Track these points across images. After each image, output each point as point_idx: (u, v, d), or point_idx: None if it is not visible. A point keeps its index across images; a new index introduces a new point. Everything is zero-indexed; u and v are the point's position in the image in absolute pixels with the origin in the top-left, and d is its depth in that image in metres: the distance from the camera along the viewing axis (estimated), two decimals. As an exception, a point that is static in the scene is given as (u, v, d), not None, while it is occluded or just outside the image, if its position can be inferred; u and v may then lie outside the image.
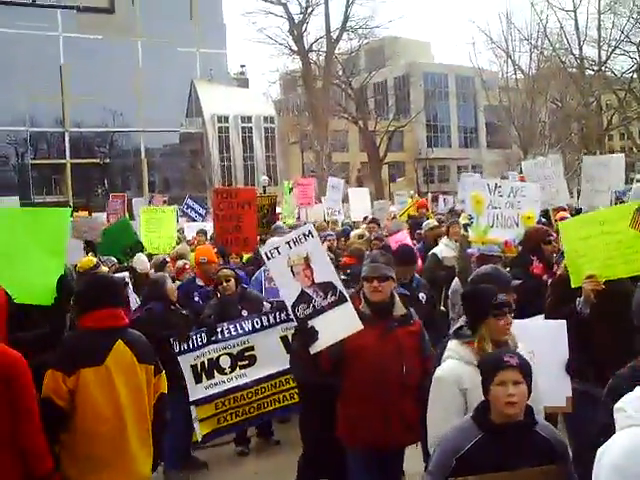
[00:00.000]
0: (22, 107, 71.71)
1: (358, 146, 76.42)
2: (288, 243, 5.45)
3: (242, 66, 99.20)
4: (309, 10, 58.81)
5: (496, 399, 3.90)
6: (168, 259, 11.37)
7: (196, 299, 9.57)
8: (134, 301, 10.23)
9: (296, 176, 38.16)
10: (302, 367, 5.85)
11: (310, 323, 5.38)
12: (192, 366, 7.62)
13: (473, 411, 4.10)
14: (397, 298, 5.72)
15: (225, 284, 8.66)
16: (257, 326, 7.95)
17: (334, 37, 59.38)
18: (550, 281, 7.03)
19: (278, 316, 7.94)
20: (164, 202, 24.36)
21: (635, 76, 56.91)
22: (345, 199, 23.95)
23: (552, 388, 5.37)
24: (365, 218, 17.89)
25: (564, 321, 5.73)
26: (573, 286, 6.13)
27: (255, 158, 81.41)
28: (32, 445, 4.60)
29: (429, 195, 29.60)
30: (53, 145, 79.17)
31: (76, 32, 73.30)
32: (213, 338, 7.75)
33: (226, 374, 7.76)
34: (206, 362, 7.69)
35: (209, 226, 18.52)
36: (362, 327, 5.31)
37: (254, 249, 11.74)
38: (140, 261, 11.79)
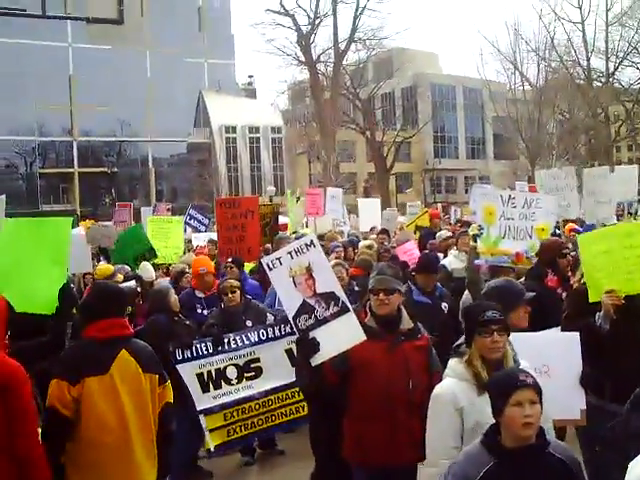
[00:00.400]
0: (31, 117, 72.02)
1: (365, 157, 76.42)
2: (290, 253, 5.33)
3: (250, 77, 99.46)
4: (317, 21, 59.03)
5: (512, 421, 3.71)
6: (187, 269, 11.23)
7: (199, 311, 9.45)
8: None
9: (303, 187, 38.23)
10: (306, 379, 5.66)
11: (311, 334, 5.24)
12: (198, 375, 7.57)
13: (482, 436, 3.92)
14: (404, 312, 5.58)
15: (230, 295, 8.60)
16: (262, 337, 7.94)
17: (342, 48, 59.53)
18: (566, 294, 6.97)
19: (283, 328, 7.89)
20: (168, 210, 24.33)
21: (643, 87, 56.90)
22: (353, 209, 23.95)
23: (566, 400, 5.32)
24: (372, 229, 17.80)
25: (577, 333, 5.60)
26: (591, 300, 6.01)
27: (262, 168, 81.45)
28: (28, 455, 4.57)
29: (439, 206, 29.50)
30: (61, 154, 79.32)
31: (85, 43, 73.34)
32: (219, 348, 7.72)
33: (233, 385, 7.71)
34: (213, 372, 7.64)
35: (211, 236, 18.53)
36: (365, 338, 5.18)
37: (258, 258, 11.65)
38: (145, 269, 11.75)
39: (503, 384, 3.85)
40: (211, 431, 7.54)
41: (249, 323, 8.36)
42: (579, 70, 57.16)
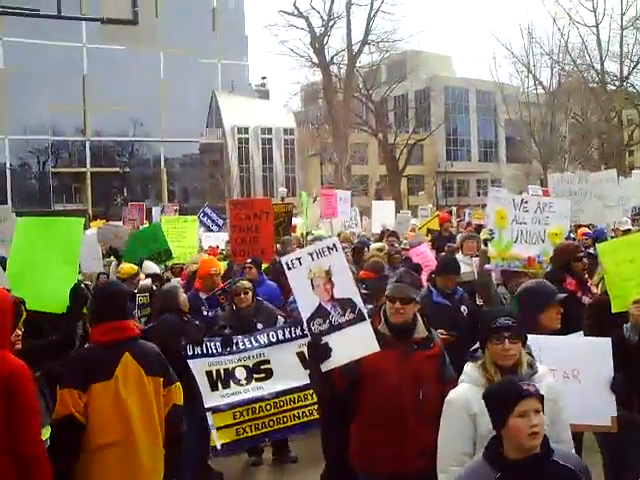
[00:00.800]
0: (44, 116, 72.36)
1: (377, 159, 76.38)
2: (311, 254, 5.19)
3: (263, 78, 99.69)
4: (331, 23, 59.03)
5: (517, 432, 3.61)
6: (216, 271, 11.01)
7: (205, 312, 9.32)
8: None
9: (315, 188, 38.18)
10: (317, 383, 5.54)
11: (324, 339, 5.09)
12: (207, 372, 7.53)
13: (483, 450, 3.82)
14: (419, 320, 5.42)
15: (243, 296, 8.53)
16: (273, 340, 7.88)
17: (355, 50, 59.52)
18: (588, 302, 6.89)
19: (294, 331, 7.86)
20: (175, 211, 24.39)
21: (657, 92, 56.71)
22: (365, 211, 23.91)
23: (596, 406, 5.22)
24: (383, 231, 17.74)
25: (609, 339, 5.41)
26: (615, 311, 5.87)
27: (274, 170, 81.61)
28: (31, 455, 4.53)
29: (453, 209, 29.37)
30: (74, 154, 79.67)
31: (99, 43, 73.67)
32: (228, 349, 7.69)
33: (242, 385, 7.66)
34: (222, 371, 7.60)
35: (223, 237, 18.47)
36: (378, 349, 5.06)
37: (271, 260, 11.66)
38: (147, 267, 11.75)
39: (506, 395, 3.74)
40: (219, 429, 7.49)
41: (260, 325, 8.34)
42: (593, 74, 56.96)
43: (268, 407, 7.67)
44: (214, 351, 7.62)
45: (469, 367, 4.60)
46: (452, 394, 4.53)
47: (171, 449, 5.36)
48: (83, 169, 77.50)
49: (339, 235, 15.35)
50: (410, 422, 5.14)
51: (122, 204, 56.84)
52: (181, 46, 76.82)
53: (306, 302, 5.20)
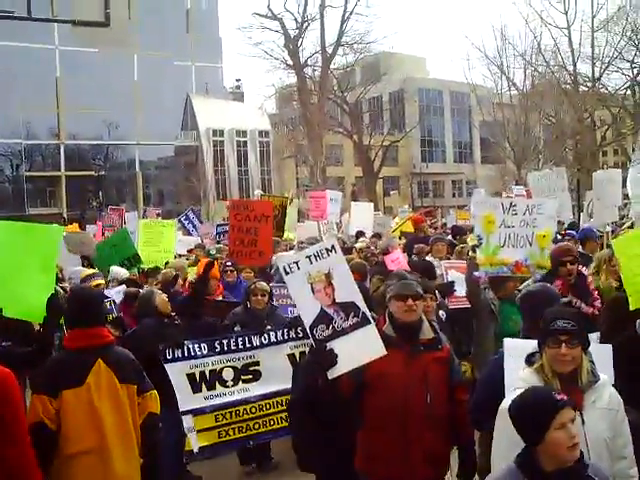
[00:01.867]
0: (17, 119, 71.69)
1: (353, 160, 76.53)
2: (309, 258, 5.01)
3: (238, 80, 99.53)
4: (305, 25, 59.19)
5: (557, 445, 3.41)
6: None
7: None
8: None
9: (292, 190, 37.97)
10: (307, 390, 5.28)
11: (329, 345, 4.91)
12: (188, 375, 7.29)
13: (516, 457, 3.60)
14: (425, 321, 5.25)
15: (260, 297, 8.57)
16: (265, 341, 7.70)
17: (329, 52, 59.65)
18: (603, 305, 6.81)
19: (287, 333, 7.72)
20: (157, 215, 24.24)
21: (629, 92, 57.27)
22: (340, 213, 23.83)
23: None
24: (359, 233, 17.70)
25: (609, 345, 5.07)
26: (633, 308, 5.76)
27: (250, 172, 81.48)
28: (20, 464, 4.49)
29: (439, 210, 29.27)
30: (48, 157, 79.05)
31: (72, 45, 73.33)
32: (217, 349, 7.50)
33: (228, 387, 7.48)
34: (207, 373, 7.39)
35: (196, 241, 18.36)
36: (385, 353, 4.86)
37: (268, 262, 11.78)
38: (116, 272, 11.75)
39: (542, 407, 3.49)
40: (199, 432, 7.27)
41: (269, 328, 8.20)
42: (565, 75, 57.35)
43: (253, 410, 7.52)
44: (198, 353, 7.40)
45: (526, 372, 4.31)
46: (507, 402, 4.02)
47: (147, 457, 5.33)
48: (58, 173, 76.88)
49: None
50: (416, 427, 4.94)
51: (97, 208, 56.53)
52: (155, 48, 76.46)
53: (307, 308, 5.04)
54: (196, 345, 7.42)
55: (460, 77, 71.79)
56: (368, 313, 5.00)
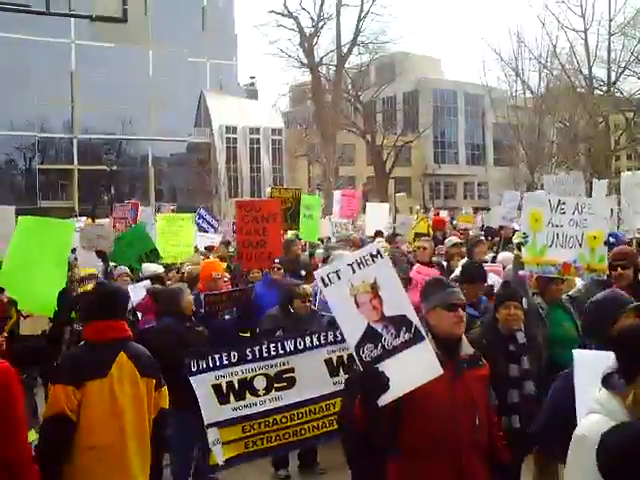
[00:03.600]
0: (32, 112, 72.08)
1: (365, 160, 76.51)
2: (351, 266, 4.36)
3: (252, 77, 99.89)
4: (320, 24, 59.18)
5: None
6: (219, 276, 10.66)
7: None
8: None
9: (303, 189, 37.85)
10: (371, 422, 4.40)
11: (379, 368, 4.24)
12: (214, 386, 6.74)
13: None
14: (463, 335, 4.71)
15: (308, 303, 8.40)
16: (300, 346, 7.07)
17: (344, 51, 59.60)
18: None
19: (324, 337, 7.07)
20: (172, 211, 24.22)
21: (644, 97, 57.01)
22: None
23: None
24: (378, 233, 17.50)
25: None
26: None
27: (262, 170, 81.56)
28: (18, 460, 4.46)
29: (470, 210, 28.97)
30: (61, 151, 79.45)
31: (88, 40, 73.72)
32: (250, 357, 6.90)
33: (259, 396, 6.89)
34: (236, 382, 6.82)
35: (217, 239, 18.21)
36: (442, 372, 4.29)
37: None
38: (148, 270, 11.42)
39: None
40: (225, 444, 6.76)
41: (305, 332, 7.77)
42: (580, 78, 57.13)
43: (284, 420, 6.99)
44: (225, 362, 6.85)
45: (603, 395, 3.59)
46: (583, 429, 3.56)
47: (156, 452, 5.34)
48: (70, 166, 77.21)
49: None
50: (466, 454, 4.41)
51: (109, 202, 56.67)
52: (170, 45, 76.80)
53: (351, 325, 4.36)
54: (224, 354, 6.86)
55: (475, 79, 71.66)
56: (421, 327, 4.40)
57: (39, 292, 6.14)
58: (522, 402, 5.92)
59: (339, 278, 4.34)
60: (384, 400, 4.19)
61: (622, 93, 57.85)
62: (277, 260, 10.59)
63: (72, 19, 61.31)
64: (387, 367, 4.26)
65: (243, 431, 6.80)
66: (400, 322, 4.35)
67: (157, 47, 77.70)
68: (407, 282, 9.40)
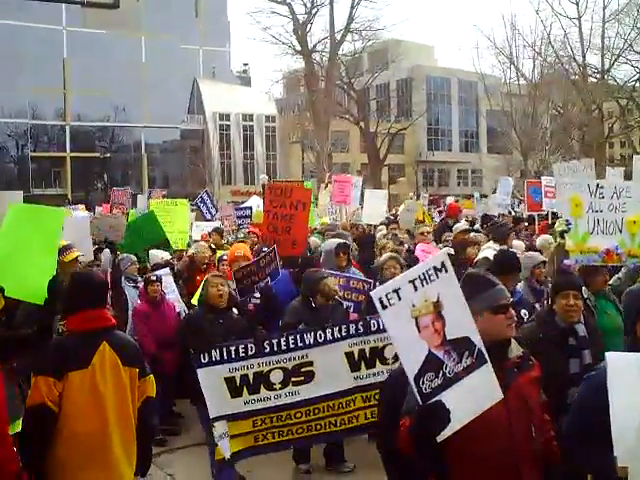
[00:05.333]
0: (24, 99, 71.81)
1: (359, 147, 76.49)
2: (413, 282, 3.68)
3: (245, 64, 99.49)
4: (314, 11, 58.98)
5: None
6: (225, 257, 10.63)
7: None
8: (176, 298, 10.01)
9: (296, 176, 37.87)
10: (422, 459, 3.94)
11: (440, 399, 3.67)
12: (227, 379, 6.45)
13: None
14: (513, 339, 4.25)
15: (332, 302, 8.02)
16: (320, 340, 6.70)
17: (338, 38, 59.44)
18: None
19: (345, 329, 6.72)
20: (163, 197, 24.01)
21: (638, 85, 57.04)
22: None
23: None
24: (390, 221, 17.34)
25: None
26: None
27: (255, 157, 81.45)
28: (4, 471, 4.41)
29: (452, 199, 28.86)
30: (54, 138, 79.22)
31: (80, 26, 73.32)
32: (267, 350, 6.58)
33: (275, 390, 6.58)
34: (251, 375, 6.50)
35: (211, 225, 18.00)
36: (502, 396, 3.79)
37: (302, 252, 10.95)
38: (153, 257, 11.48)
39: None
40: (233, 437, 6.49)
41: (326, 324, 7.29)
42: (574, 66, 57.13)
43: (298, 415, 6.64)
44: (242, 354, 6.52)
45: None
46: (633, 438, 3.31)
47: (142, 442, 5.32)
48: (63, 154, 77.01)
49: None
50: (526, 469, 3.95)
51: (102, 189, 56.58)
52: (163, 31, 76.48)
53: (412, 353, 3.72)
54: (240, 346, 6.57)
55: (468, 66, 71.53)
56: (483, 348, 3.81)
57: (29, 280, 6.10)
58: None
59: (399, 298, 3.65)
60: (443, 435, 3.65)
61: (616, 81, 57.90)
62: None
63: (63, 5, 61.03)
64: (448, 397, 3.70)
65: (253, 425, 6.54)
66: (463, 345, 3.77)
67: (149, 34, 77.32)
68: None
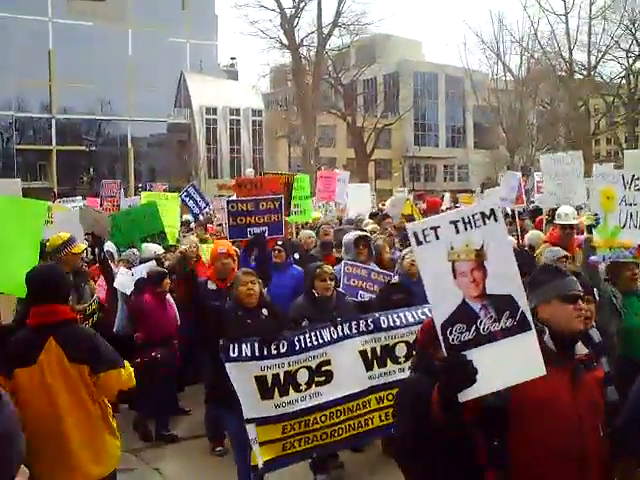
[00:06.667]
0: (9, 91, 71.22)
1: (346, 142, 76.41)
2: (455, 224, 3.42)
3: (232, 58, 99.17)
4: (301, 5, 58.71)
5: None
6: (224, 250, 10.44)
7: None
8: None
9: (283, 171, 37.76)
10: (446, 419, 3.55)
11: (468, 355, 3.37)
12: (258, 377, 6.03)
13: None
14: None
15: (329, 282, 7.52)
16: (334, 336, 6.35)
17: (325, 32, 59.26)
18: None
19: (355, 325, 6.38)
20: (164, 191, 23.66)
21: (624, 82, 57.30)
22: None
23: None
24: (376, 213, 17.31)
25: None
26: None
27: (242, 151, 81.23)
28: None
29: (446, 194, 28.88)
30: (39, 131, 78.66)
31: (66, 18, 72.95)
32: (297, 347, 6.21)
33: (300, 391, 6.20)
34: (282, 375, 6.11)
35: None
36: (545, 372, 3.43)
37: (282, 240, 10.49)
38: (147, 251, 11.10)
39: None
40: (262, 444, 6.06)
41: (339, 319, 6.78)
42: (561, 62, 57.36)
43: (323, 418, 6.26)
44: (273, 352, 6.13)
45: None
46: None
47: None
48: (49, 147, 76.52)
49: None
50: (597, 472, 3.73)
51: (88, 183, 56.28)
52: (150, 24, 76.13)
53: (442, 297, 3.46)
54: (273, 343, 6.17)
55: (456, 61, 71.72)
56: (529, 315, 3.47)
57: (11, 272, 6.05)
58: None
59: (437, 237, 3.41)
60: (466, 395, 3.35)
61: (602, 77, 58.15)
62: (280, 242, 9.86)
63: (50, -3, 60.60)
64: (478, 356, 3.38)
65: (283, 431, 6.13)
66: (504, 304, 3.43)
67: (136, 26, 76.99)
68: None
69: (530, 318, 3.45)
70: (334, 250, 10.77)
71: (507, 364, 3.41)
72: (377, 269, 9.32)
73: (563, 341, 3.75)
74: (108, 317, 9.37)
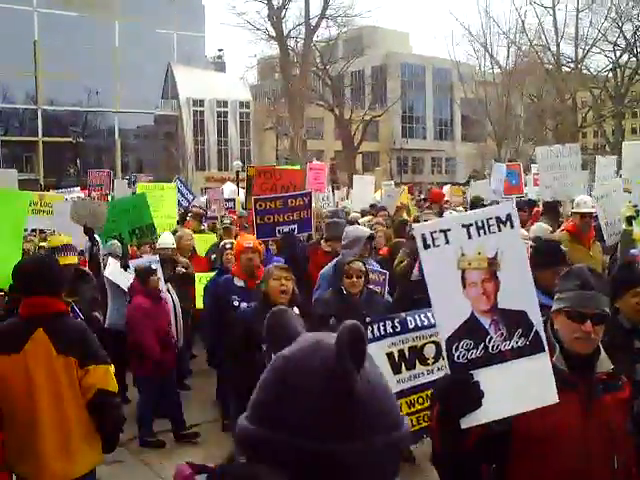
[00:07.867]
0: (-6, 82, 70.91)
1: (333, 134, 76.40)
2: (467, 228, 3.00)
3: (220, 50, 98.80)
4: (289, -4, 58.64)
5: None
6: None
7: (236, 303, 7.78)
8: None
9: (270, 163, 37.72)
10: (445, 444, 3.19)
11: (474, 375, 2.96)
12: (388, 354, 5.85)
13: None
14: (601, 347, 3.44)
15: (356, 279, 7.23)
16: (368, 336, 5.79)
17: (313, 24, 59.22)
18: None
19: (383, 327, 6.00)
20: (149, 182, 23.58)
21: (611, 75, 57.48)
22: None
23: None
24: (372, 206, 17.22)
25: None
26: None
27: (229, 143, 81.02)
28: None
29: (450, 187, 28.85)
30: (25, 122, 78.26)
31: (51, 8, 72.49)
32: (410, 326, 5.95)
33: (428, 364, 6.03)
34: (406, 350, 5.93)
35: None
36: (557, 400, 3.00)
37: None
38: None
39: None
40: None
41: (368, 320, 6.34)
42: (549, 55, 57.54)
43: (420, 400, 5.99)
44: (392, 330, 5.90)
45: None
46: None
47: (104, 434, 5.19)
48: (35, 138, 76.13)
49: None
50: None
51: (75, 174, 55.99)
52: (137, 15, 75.82)
53: (448, 308, 3.04)
54: (388, 322, 5.93)
55: (443, 54, 71.80)
56: (543, 334, 3.06)
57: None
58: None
59: (447, 241, 2.99)
60: (468, 422, 2.93)
61: (589, 70, 58.34)
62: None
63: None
64: (485, 377, 2.97)
65: (409, 407, 5.93)
66: (516, 320, 3.03)
67: (123, 17, 76.65)
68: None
69: (544, 338, 3.05)
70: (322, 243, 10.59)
71: (516, 388, 3.01)
72: (373, 267, 9.23)
73: (575, 359, 3.33)
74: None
